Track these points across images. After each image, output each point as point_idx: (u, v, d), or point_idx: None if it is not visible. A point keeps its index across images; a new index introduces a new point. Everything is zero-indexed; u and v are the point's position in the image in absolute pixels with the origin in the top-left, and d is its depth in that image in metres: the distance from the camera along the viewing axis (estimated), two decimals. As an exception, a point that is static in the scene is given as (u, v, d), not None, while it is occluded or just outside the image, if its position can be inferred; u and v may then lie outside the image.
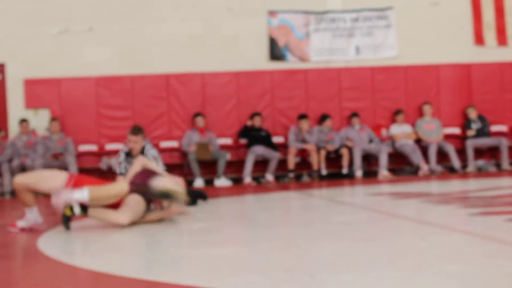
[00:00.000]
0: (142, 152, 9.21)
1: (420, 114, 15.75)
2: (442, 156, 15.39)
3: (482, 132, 15.41)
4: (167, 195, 6.97)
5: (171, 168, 14.87)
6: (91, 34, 15.32)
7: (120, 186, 7.17)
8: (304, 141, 14.95)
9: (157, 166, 8.50)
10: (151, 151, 9.25)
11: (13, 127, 15.00)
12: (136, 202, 7.24)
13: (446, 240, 5.46)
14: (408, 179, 13.71)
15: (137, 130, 9.17)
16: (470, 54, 16.14)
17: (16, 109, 15.10)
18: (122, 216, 7.11)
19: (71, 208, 6.97)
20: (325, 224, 7.01)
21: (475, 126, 15.45)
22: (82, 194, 6.93)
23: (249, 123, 15.12)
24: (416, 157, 15.01)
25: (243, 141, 15.05)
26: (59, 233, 7.10)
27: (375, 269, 4.33)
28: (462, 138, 15.67)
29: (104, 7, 15.37)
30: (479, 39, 16.15)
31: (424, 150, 15.25)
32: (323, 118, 15.27)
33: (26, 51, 15.15)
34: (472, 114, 15.49)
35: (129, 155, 9.35)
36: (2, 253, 6.08)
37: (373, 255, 4.89)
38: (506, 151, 15.27)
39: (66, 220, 7.02)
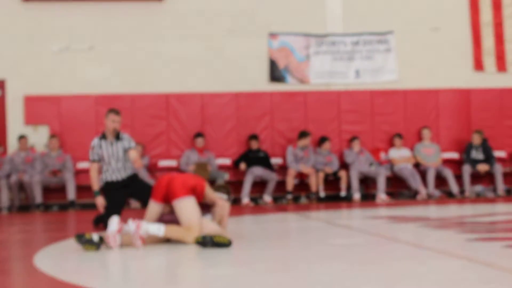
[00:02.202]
0: (117, 135, 9.62)
1: (419, 138, 15.77)
2: (441, 180, 15.39)
3: (487, 159, 15.34)
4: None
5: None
6: (92, 52, 15.36)
7: (191, 238, 7.09)
8: (302, 161, 14.94)
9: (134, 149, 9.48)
10: (125, 135, 9.75)
11: (12, 143, 15.00)
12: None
13: (444, 265, 5.45)
14: (406, 203, 13.69)
15: (118, 110, 9.69)
16: (470, 79, 16.19)
17: (15, 125, 15.10)
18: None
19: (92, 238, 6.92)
20: (322, 246, 6.99)
21: (476, 152, 15.41)
22: (159, 230, 7.01)
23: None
24: (414, 181, 15.00)
25: (242, 166, 14.90)
26: (56, 250, 7.08)
27: (372, 292, 4.32)
28: (461, 163, 15.66)
29: (105, 25, 15.42)
30: (478, 65, 16.20)
31: (423, 175, 15.25)
32: (322, 140, 15.28)
33: (27, 68, 15.18)
34: (477, 140, 15.38)
35: (103, 138, 9.62)
36: (-1, 269, 6.06)
37: (371, 278, 4.88)
38: (501, 177, 15.26)
39: (87, 242, 6.90)
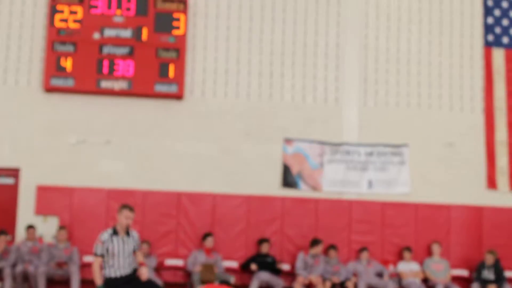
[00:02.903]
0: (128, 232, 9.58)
1: (429, 252, 15.62)
2: (449, 297, 15.17)
3: (498, 279, 15.09)
4: None
5: (173, 287, 14.72)
6: (108, 147, 15.48)
7: None
8: (312, 269, 14.79)
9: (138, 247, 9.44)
10: (135, 232, 9.69)
11: (20, 232, 14.95)
12: None
13: None
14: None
15: (132, 207, 9.60)
16: (482, 197, 16.15)
17: (25, 214, 15.09)
18: None
19: None
20: None
21: (488, 272, 15.18)
22: None
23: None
24: (422, 296, 14.80)
25: (253, 266, 14.78)
26: None
27: None
28: (470, 280, 15.45)
29: (123, 121, 15.60)
30: (491, 183, 16.20)
31: (431, 290, 15.05)
32: (328, 248, 15.15)
33: (43, 158, 15.28)
34: (490, 260, 15.11)
35: (115, 233, 9.49)
36: None
37: None
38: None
39: None
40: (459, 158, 16.19)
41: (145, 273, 9.56)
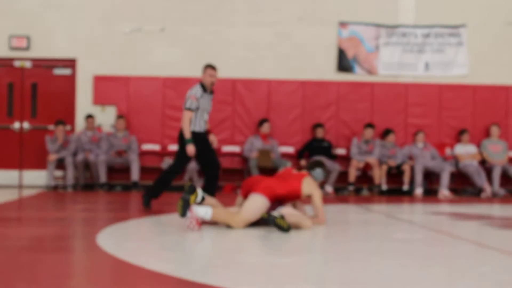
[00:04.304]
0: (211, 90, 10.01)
1: (487, 135, 15.51)
2: (506, 179, 15.13)
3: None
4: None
5: (231, 173, 14.94)
6: (163, 35, 15.48)
7: (236, 222, 7.26)
8: (366, 154, 14.86)
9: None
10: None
11: (80, 122, 15.24)
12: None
13: (506, 265, 5.36)
14: (470, 200, 13.50)
15: (215, 66, 9.96)
16: (543, 77, 15.85)
17: (84, 104, 15.33)
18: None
19: (196, 197, 7.32)
20: (383, 240, 6.94)
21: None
22: (206, 214, 7.17)
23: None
24: (479, 178, 14.78)
25: (302, 162, 14.93)
26: (118, 230, 7.19)
27: (432, 289, 4.27)
28: (528, 162, 15.37)
29: (177, 8, 15.52)
30: (552, 63, 15.83)
31: (488, 172, 15.01)
32: (386, 132, 15.15)
33: (98, 48, 15.38)
34: None
35: (204, 90, 9.85)
36: (63, 246, 6.18)
37: (430, 274, 4.83)
38: None
39: (185, 207, 7.19)
40: (519, 37, 15.82)
41: (216, 141, 10.21)
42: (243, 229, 7.27)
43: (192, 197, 7.25)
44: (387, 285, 4.39)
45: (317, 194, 7.82)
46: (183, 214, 7.17)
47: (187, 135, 9.75)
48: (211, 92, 9.99)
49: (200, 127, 9.87)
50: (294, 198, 7.70)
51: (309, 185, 7.77)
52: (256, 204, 7.33)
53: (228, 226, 7.35)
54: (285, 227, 6.99)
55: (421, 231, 7.77)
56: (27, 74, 15.44)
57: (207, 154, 9.94)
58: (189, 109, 9.73)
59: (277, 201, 7.59)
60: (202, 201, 7.45)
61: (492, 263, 5.44)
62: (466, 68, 15.78)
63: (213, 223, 7.50)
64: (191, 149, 9.71)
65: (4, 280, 4.37)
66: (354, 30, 15.72)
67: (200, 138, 9.87)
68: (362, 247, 6.43)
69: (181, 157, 9.84)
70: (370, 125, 15.02)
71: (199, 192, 7.39)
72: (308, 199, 7.97)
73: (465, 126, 15.54)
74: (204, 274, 4.75)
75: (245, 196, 7.61)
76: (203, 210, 7.15)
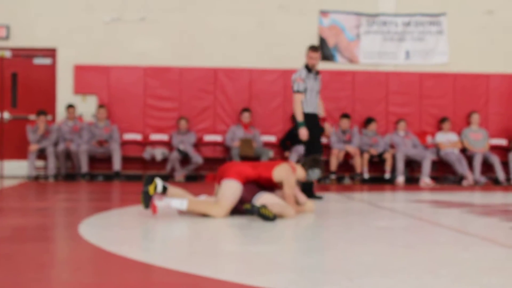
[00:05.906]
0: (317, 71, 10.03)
1: (467, 123, 15.59)
2: (487, 167, 15.22)
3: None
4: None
5: (213, 163, 14.94)
6: (143, 24, 15.43)
7: (216, 211, 7.23)
8: (346, 142, 14.90)
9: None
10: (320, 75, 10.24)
11: (61, 112, 15.18)
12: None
13: (487, 252, 5.40)
14: (451, 188, 13.57)
15: (317, 47, 9.98)
16: (522, 65, 15.94)
17: (64, 94, 15.27)
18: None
19: (155, 187, 7.21)
20: (364, 228, 6.97)
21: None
22: (181, 205, 7.15)
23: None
24: (461, 166, 14.87)
25: (287, 153, 14.97)
26: (100, 219, 7.17)
27: (414, 276, 4.29)
28: (508, 150, 15.47)
29: (157, -2, 15.47)
30: (532, 51, 15.92)
31: (469, 160, 15.10)
32: (368, 121, 15.20)
33: (78, 37, 15.31)
34: None
35: (309, 71, 9.91)
36: (44, 236, 6.16)
37: (412, 262, 4.85)
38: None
39: (147, 198, 7.14)
40: (499, 25, 15.90)
41: (331, 130, 10.43)
42: (224, 218, 7.27)
43: (150, 188, 7.17)
44: (369, 273, 4.41)
45: (288, 183, 7.64)
46: (146, 205, 7.15)
47: (300, 117, 9.78)
48: (317, 72, 10.01)
49: (312, 108, 9.91)
50: (267, 183, 7.58)
51: (281, 172, 7.59)
52: (231, 190, 7.31)
53: (205, 216, 7.32)
54: (270, 216, 6.97)
55: (403, 219, 7.81)
56: (6, 63, 15.34)
57: (315, 139, 9.93)
58: (298, 91, 9.77)
59: (258, 185, 7.55)
60: (164, 191, 7.38)
61: (474, 250, 5.47)
62: (446, 57, 15.84)
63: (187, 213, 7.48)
64: (303, 132, 9.72)
65: (-14, 270, 4.35)
66: (335, 19, 15.74)
67: (313, 119, 9.90)
68: (344, 235, 6.45)
69: (309, 142, 9.85)
70: (345, 115, 15.07)
71: (158, 182, 7.31)
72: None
73: (445, 114, 15.62)
74: (187, 263, 4.75)
75: (219, 183, 7.58)
76: (177, 202, 7.14)
